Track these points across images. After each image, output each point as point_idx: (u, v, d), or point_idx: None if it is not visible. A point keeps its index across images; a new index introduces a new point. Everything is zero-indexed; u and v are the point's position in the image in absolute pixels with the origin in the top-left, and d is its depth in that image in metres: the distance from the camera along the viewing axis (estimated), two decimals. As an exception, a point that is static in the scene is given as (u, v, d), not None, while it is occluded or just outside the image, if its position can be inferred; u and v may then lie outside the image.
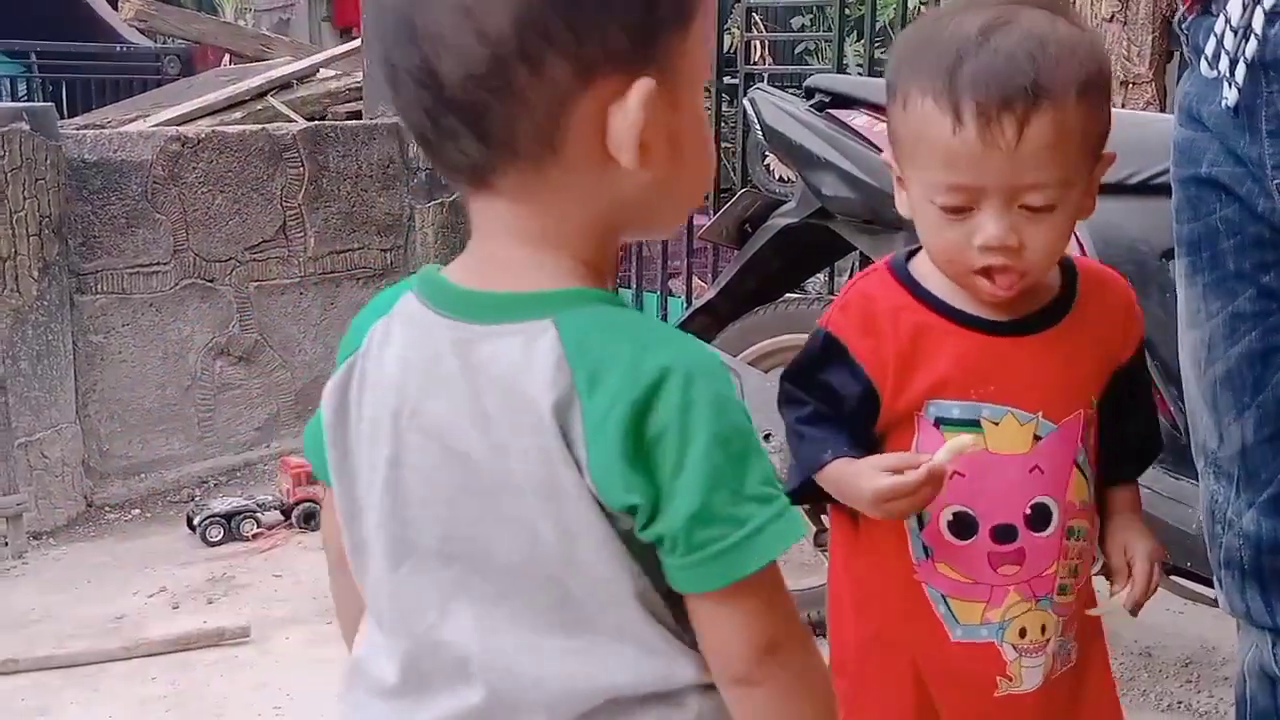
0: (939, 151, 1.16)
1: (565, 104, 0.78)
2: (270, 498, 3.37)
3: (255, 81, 4.63)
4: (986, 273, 1.18)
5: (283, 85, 4.64)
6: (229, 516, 3.24)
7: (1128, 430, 1.35)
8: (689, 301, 3.86)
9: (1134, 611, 1.30)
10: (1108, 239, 2.01)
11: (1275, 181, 1.20)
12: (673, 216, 0.88)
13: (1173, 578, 2.05)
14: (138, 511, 3.50)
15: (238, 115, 4.41)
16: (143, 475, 3.59)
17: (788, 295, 2.77)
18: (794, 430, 1.30)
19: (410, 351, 0.84)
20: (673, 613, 0.82)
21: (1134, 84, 3.55)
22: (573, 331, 0.79)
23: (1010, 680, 1.26)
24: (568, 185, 0.81)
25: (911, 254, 1.29)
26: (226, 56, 6.55)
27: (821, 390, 1.27)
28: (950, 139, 1.14)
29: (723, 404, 0.78)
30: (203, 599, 2.90)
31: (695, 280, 4.15)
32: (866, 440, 1.26)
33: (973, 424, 1.22)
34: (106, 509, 3.48)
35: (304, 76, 4.77)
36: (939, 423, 1.23)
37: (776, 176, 2.99)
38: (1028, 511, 1.24)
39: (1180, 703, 2.42)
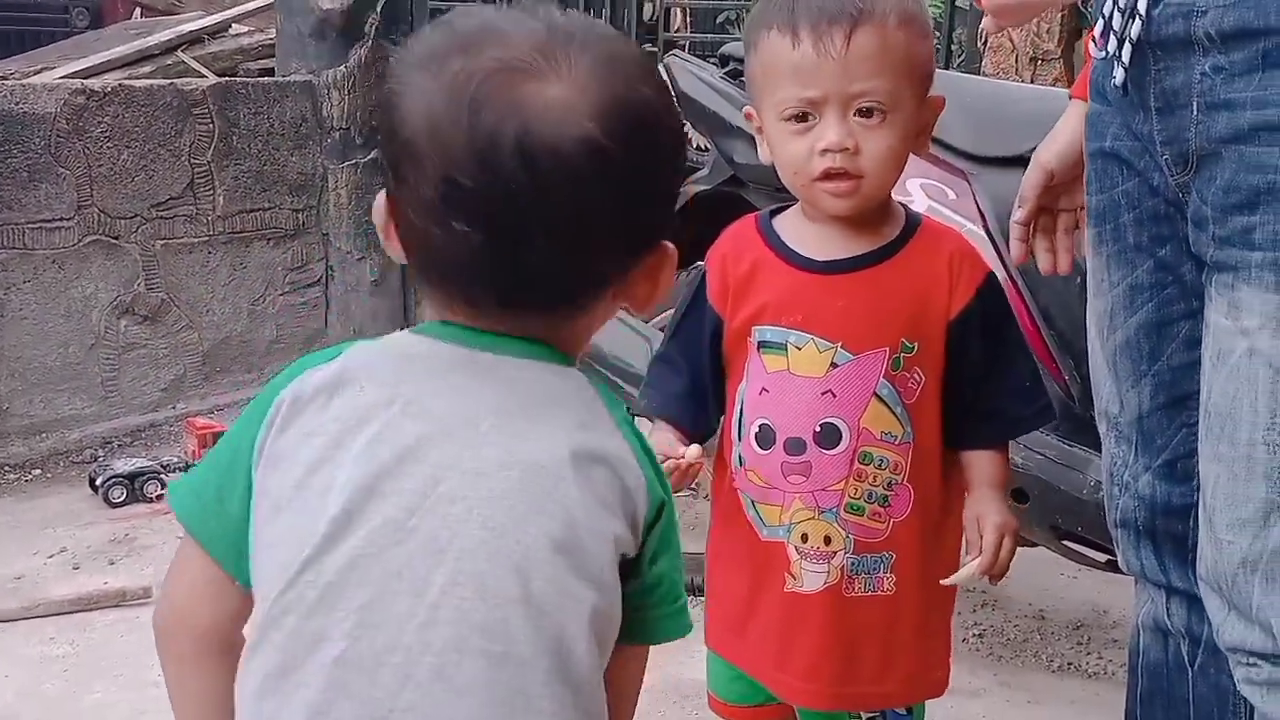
0: (784, 70, 1.32)
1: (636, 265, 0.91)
2: (175, 459, 3.32)
3: (165, 36, 4.53)
4: (827, 178, 1.32)
5: (193, 40, 4.54)
6: (132, 477, 3.19)
7: (983, 390, 1.41)
8: (604, 268, 3.86)
9: (992, 580, 1.41)
10: (1009, 209, 2.05)
11: (1164, 157, 1.24)
12: None
13: (1065, 542, 2.11)
14: (39, 471, 3.43)
15: (146, 70, 4.31)
16: (44, 435, 3.52)
17: (699, 263, 2.78)
18: (649, 363, 1.55)
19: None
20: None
21: (1043, 60, 3.61)
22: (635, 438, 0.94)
23: (794, 578, 1.41)
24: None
25: (779, 210, 1.46)
26: (137, 10, 6.39)
27: (682, 334, 1.49)
28: (792, 55, 1.31)
29: None
30: (104, 560, 2.85)
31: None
32: (717, 370, 1.46)
33: (780, 347, 1.38)
34: (6, 469, 3.41)
35: (216, 32, 4.67)
36: (760, 346, 1.40)
37: (694, 145, 3.00)
38: (817, 429, 1.37)
39: (1070, 664, 2.49)
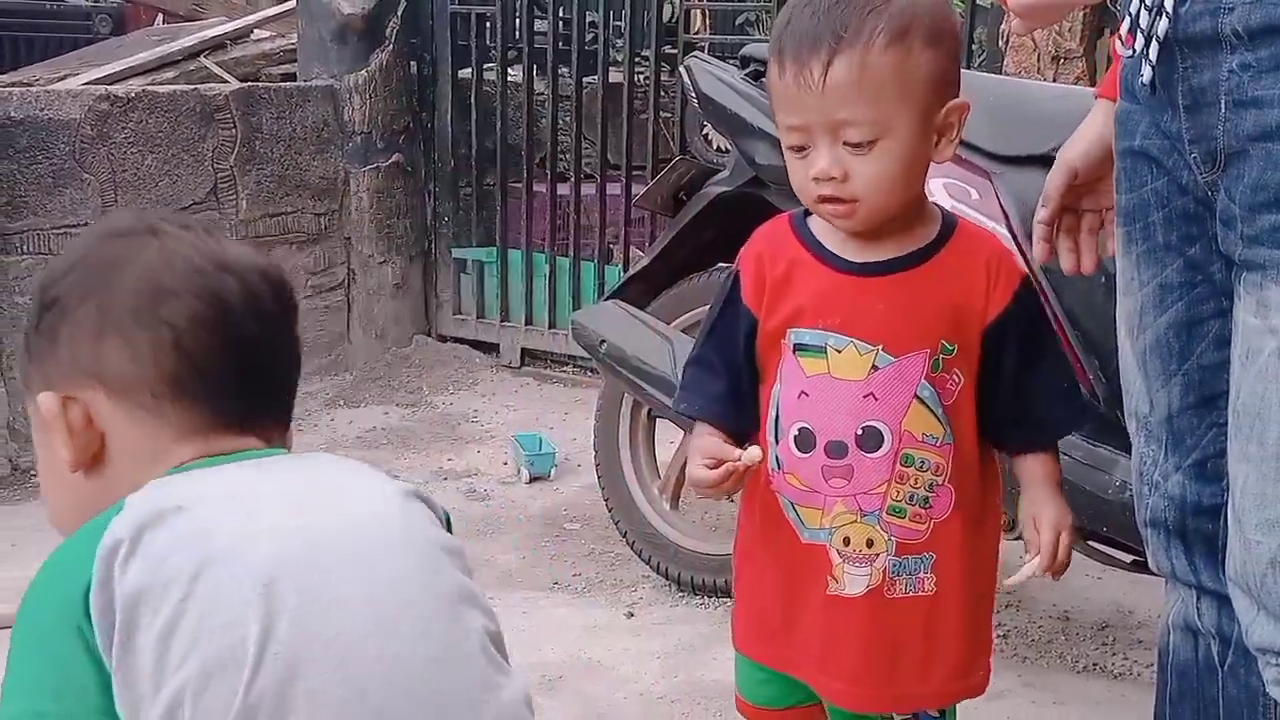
0: (777, 98, 1.34)
1: None
2: (200, 462, 3.34)
3: (188, 41, 4.56)
4: (825, 201, 1.33)
5: (216, 46, 4.57)
6: (158, 480, 3.21)
7: (1019, 393, 1.41)
8: (626, 269, 3.87)
9: (1054, 577, 1.42)
10: (1032, 209, 2.04)
11: (1193, 155, 1.23)
12: None
13: (1090, 543, 2.10)
14: (64, 475, 3.45)
15: (169, 75, 4.34)
16: (70, 439, 3.54)
17: (720, 264, 2.78)
18: (684, 366, 1.51)
19: None
20: None
21: (1065, 59, 3.60)
22: None
23: (836, 581, 1.40)
24: None
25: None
26: (159, 15, 6.42)
27: (717, 335, 1.45)
28: (779, 85, 1.32)
29: None
30: (130, 563, 2.87)
31: (632, 249, 4.16)
32: (753, 370, 1.44)
33: (819, 349, 1.37)
34: (32, 473, 3.43)
35: (238, 37, 4.70)
36: (796, 349, 1.39)
37: (715, 146, 2.99)
38: (859, 432, 1.36)
39: (1095, 665, 2.48)
